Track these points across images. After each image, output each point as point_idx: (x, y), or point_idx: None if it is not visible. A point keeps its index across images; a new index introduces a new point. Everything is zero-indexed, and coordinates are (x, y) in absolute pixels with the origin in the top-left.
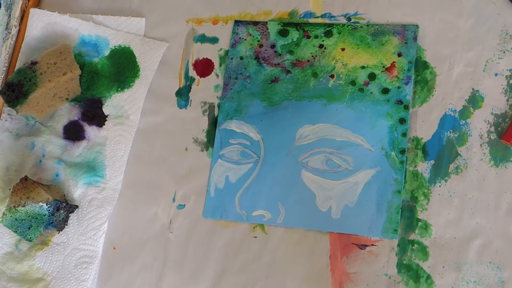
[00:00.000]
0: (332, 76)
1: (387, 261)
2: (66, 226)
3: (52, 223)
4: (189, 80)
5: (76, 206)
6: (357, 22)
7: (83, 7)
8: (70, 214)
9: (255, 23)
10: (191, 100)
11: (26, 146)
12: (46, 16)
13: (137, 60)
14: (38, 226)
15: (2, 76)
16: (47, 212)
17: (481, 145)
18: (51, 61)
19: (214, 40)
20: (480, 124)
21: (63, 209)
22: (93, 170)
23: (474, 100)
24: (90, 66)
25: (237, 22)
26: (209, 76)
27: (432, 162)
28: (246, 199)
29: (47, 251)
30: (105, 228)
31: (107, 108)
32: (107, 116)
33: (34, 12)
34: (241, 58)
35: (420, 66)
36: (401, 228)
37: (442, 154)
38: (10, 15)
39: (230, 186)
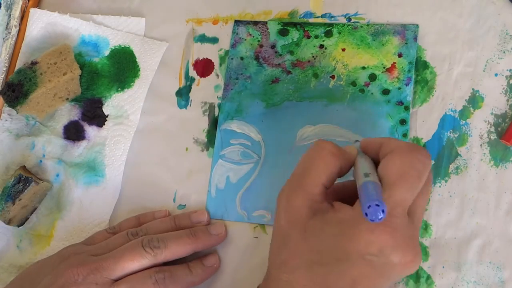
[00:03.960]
0: (332, 77)
1: None
2: (18, 200)
3: (10, 195)
4: (189, 80)
5: (32, 180)
6: (357, 22)
7: (83, 7)
8: (27, 189)
9: (255, 23)
10: (191, 100)
11: (26, 146)
12: (46, 16)
13: (137, 60)
14: (1, 199)
15: (2, 76)
16: (10, 185)
17: (481, 145)
18: (51, 61)
19: (214, 40)
20: (480, 124)
21: (21, 182)
22: (93, 170)
23: (474, 100)
24: (90, 66)
25: (237, 22)
26: (209, 76)
27: (432, 162)
28: (247, 200)
29: (48, 251)
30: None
31: (107, 108)
32: (107, 116)
33: (34, 12)
34: (242, 58)
35: (420, 66)
36: None
37: (442, 154)
38: (10, 15)
39: (231, 186)
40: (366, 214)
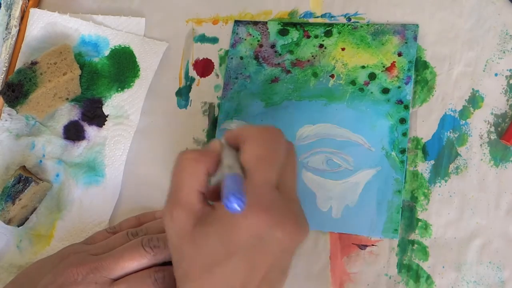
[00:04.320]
0: (332, 76)
1: (387, 261)
2: (18, 200)
3: (10, 195)
4: (189, 80)
5: (32, 180)
6: (357, 22)
7: (83, 7)
8: (27, 189)
9: (255, 23)
10: (191, 100)
11: (26, 146)
12: (46, 16)
13: (137, 60)
14: (1, 199)
15: (2, 76)
16: (10, 185)
17: (481, 145)
18: (51, 61)
19: (214, 40)
20: (480, 124)
21: (21, 182)
22: (93, 170)
23: (474, 100)
24: (90, 66)
25: (237, 22)
26: (209, 76)
27: (432, 162)
28: None
29: (48, 251)
30: None
31: (107, 108)
32: (107, 116)
33: (34, 12)
34: (241, 58)
35: (420, 66)
36: (401, 228)
37: (442, 154)
38: (10, 15)
39: None
40: (227, 206)
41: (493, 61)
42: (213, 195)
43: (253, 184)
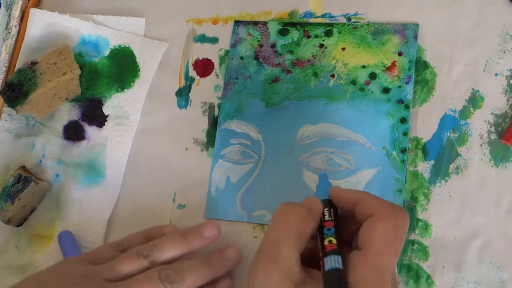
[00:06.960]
0: (332, 76)
1: None
2: (17, 200)
3: (9, 194)
4: (189, 80)
5: (32, 179)
6: (357, 22)
7: (83, 7)
8: (27, 188)
9: (255, 23)
10: (191, 100)
11: (26, 146)
12: (46, 16)
13: (137, 60)
14: (0, 199)
15: (2, 76)
16: (9, 184)
17: (481, 145)
18: (51, 61)
19: (214, 40)
20: (480, 124)
21: (21, 181)
22: (94, 171)
23: (474, 100)
24: (90, 66)
25: (237, 22)
26: (209, 76)
27: (432, 162)
28: (247, 199)
29: (48, 252)
30: (106, 229)
31: (107, 108)
32: (107, 116)
33: (34, 12)
34: (241, 58)
35: (420, 66)
36: None
37: (442, 154)
38: (10, 15)
39: (231, 186)
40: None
41: (493, 61)
42: (303, 257)
43: (377, 266)
